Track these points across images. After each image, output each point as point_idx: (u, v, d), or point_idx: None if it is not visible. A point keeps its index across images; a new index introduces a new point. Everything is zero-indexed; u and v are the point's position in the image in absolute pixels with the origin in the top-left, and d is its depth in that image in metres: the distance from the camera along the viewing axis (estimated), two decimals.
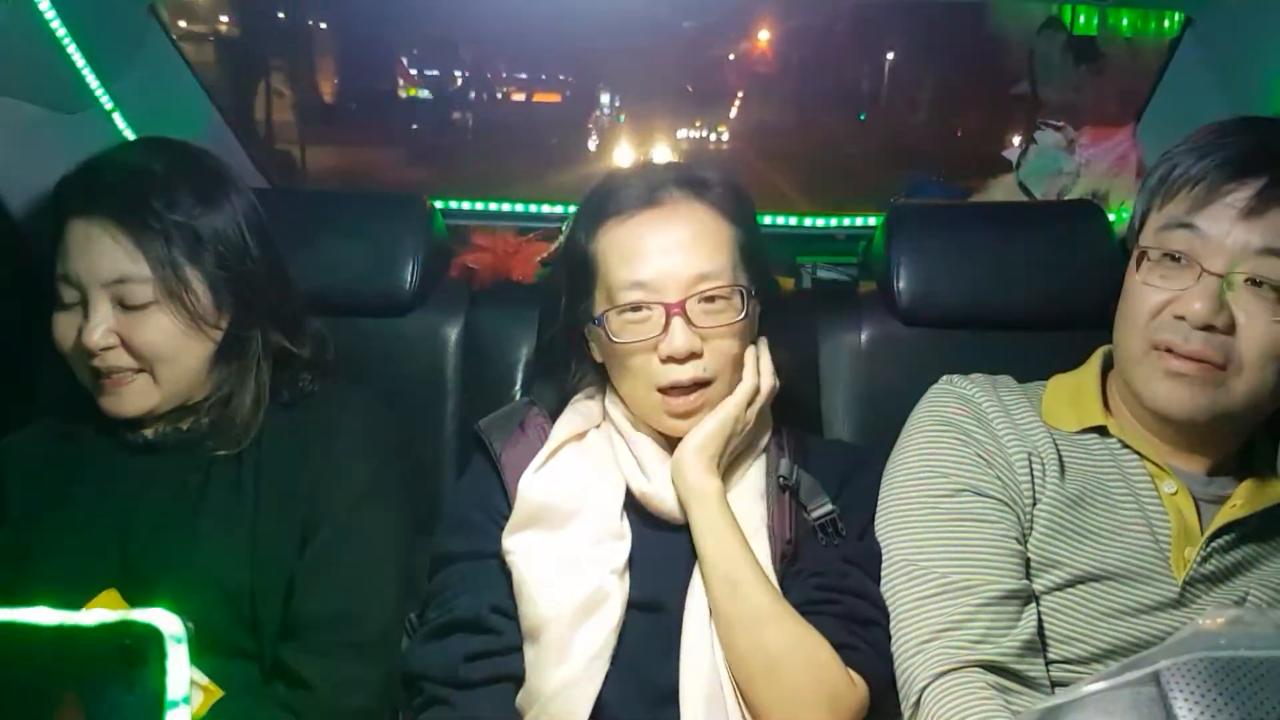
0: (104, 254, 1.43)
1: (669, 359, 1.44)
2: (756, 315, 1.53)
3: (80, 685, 0.84)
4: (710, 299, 1.45)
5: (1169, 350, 1.36)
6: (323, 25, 10.89)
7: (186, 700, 0.82)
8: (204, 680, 1.39)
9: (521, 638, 1.43)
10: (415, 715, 1.43)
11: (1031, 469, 1.45)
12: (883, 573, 1.47)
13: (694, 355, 1.45)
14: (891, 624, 1.43)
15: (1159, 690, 0.64)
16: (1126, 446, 1.46)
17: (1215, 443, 1.44)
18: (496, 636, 1.43)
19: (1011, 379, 1.59)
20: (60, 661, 0.83)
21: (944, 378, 1.59)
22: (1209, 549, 1.39)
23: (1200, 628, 0.68)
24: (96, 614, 0.83)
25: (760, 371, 1.52)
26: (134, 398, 1.48)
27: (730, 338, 1.47)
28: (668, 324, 1.44)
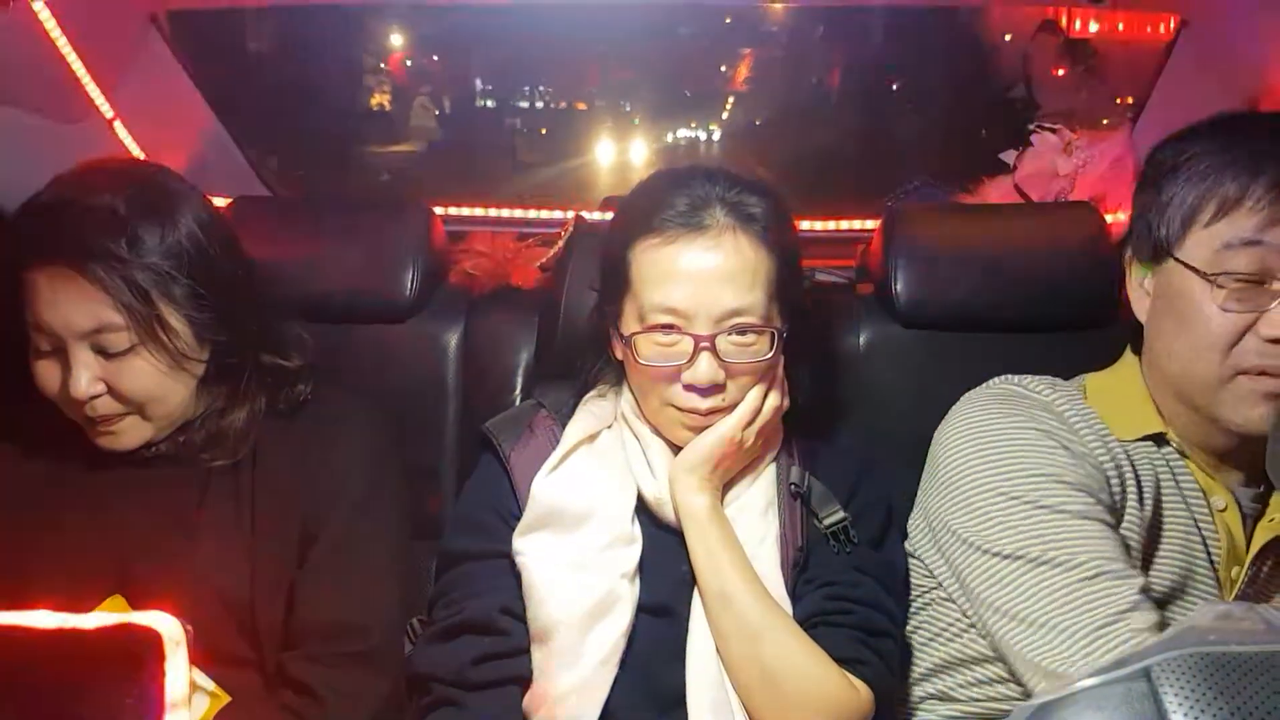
0: (76, 305, 1.38)
1: (691, 388, 1.44)
2: (782, 347, 1.50)
3: (80, 688, 0.84)
4: (742, 332, 1.44)
5: (1263, 374, 1.30)
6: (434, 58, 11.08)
7: (186, 702, 0.83)
8: (210, 686, 1.40)
9: (529, 640, 1.42)
10: (422, 716, 1.43)
11: (1117, 485, 1.39)
12: (1004, 575, 1.38)
13: (717, 388, 1.44)
14: (1036, 621, 1.33)
15: (1150, 686, 0.64)
16: (1183, 456, 1.42)
17: (1259, 452, 1.37)
18: (505, 639, 1.42)
19: (1051, 378, 1.52)
20: (60, 664, 0.84)
21: (1002, 377, 1.53)
22: (1255, 569, 1.37)
23: (1192, 624, 0.69)
24: (96, 617, 0.84)
25: (766, 393, 1.49)
26: (127, 435, 1.47)
27: (755, 375, 1.46)
28: (695, 355, 1.42)
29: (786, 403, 1.53)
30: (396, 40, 10.66)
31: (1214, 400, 1.34)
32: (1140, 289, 1.43)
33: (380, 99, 10.53)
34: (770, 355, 1.45)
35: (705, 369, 1.42)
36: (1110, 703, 0.64)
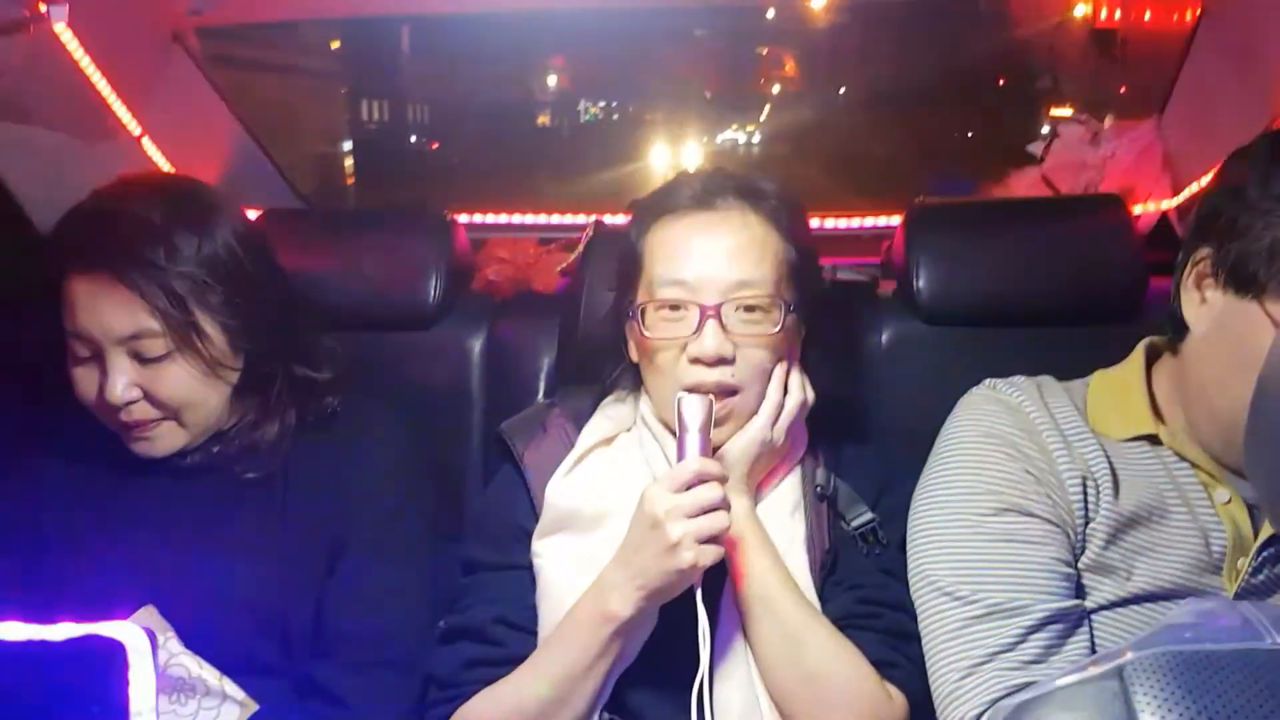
0: (113, 312, 1.42)
1: (697, 360, 1.43)
2: (797, 333, 1.51)
3: (46, 699, 0.86)
4: (749, 308, 1.44)
5: None
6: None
7: (152, 712, 0.84)
8: (240, 695, 1.42)
9: (527, 650, 1.42)
10: (424, 715, 1.45)
11: (1085, 490, 1.39)
12: (915, 595, 1.42)
13: (723, 361, 1.43)
14: (927, 650, 1.39)
15: (1121, 685, 0.63)
16: (1181, 458, 1.40)
17: None
18: (496, 647, 1.43)
19: (1052, 379, 1.52)
20: (27, 676, 0.85)
21: (985, 383, 1.53)
22: (1260, 559, 1.34)
23: (1170, 620, 0.68)
24: (64, 628, 0.85)
25: (790, 388, 1.49)
26: (162, 441, 1.50)
27: (763, 349, 1.45)
28: (701, 325, 1.42)
29: (811, 397, 1.52)
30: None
31: None
32: (1203, 302, 1.36)
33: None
34: (779, 330, 1.45)
35: (711, 340, 1.41)
36: (1082, 702, 0.64)
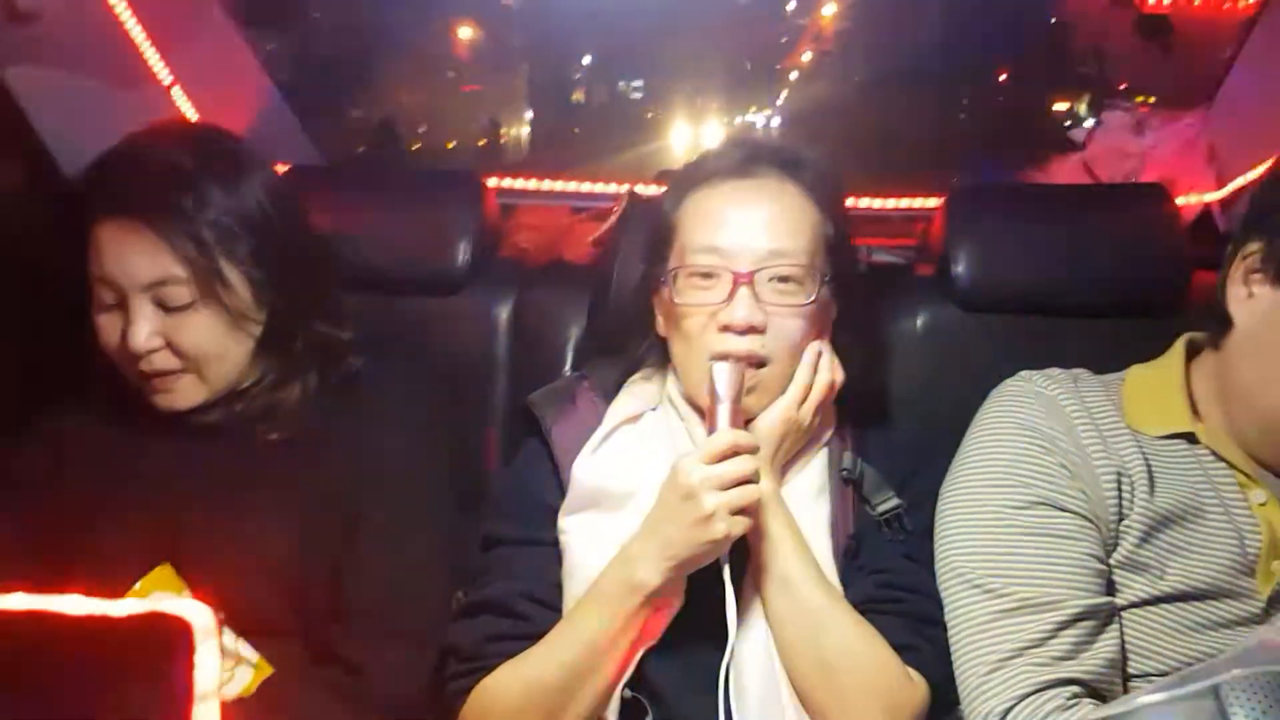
0: (139, 258, 1.41)
1: (727, 328, 1.41)
2: (830, 307, 1.50)
3: (108, 677, 0.83)
4: (783, 279, 1.42)
5: None
6: None
7: (215, 694, 0.82)
8: (255, 657, 1.41)
9: (550, 627, 1.40)
10: (443, 687, 1.44)
11: (1120, 487, 1.37)
12: (943, 587, 1.42)
13: (754, 329, 1.41)
14: (954, 643, 1.38)
15: (1218, 704, 0.61)
16: (1217, 457, 1.38)
17: None
18: (521, 622, 1.42)
19: (1088, 373, 1.51)
20: (89, 652, 0.83)
21: (1020, 374, 1.51)
22: None
23: (1264, 640, 0.65)
24: (127, 604, 0.83)
25: (819, 368, 1.47)
26: (183, 394, 1.48)
27: (796, 319, 1.43)
28: (733, 292, 1.41)
29: (841, 377, 1.50)
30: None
31: None
32: (1250, 297, 1.35)
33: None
34: (812, 301, 1.43)
35: (743, 307, 1.40)
36: None
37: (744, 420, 1.38)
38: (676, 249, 1.48)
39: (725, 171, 1.49)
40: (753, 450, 1.34)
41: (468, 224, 1.97)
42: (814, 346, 1.47)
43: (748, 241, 1.42)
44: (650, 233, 1.56)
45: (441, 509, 1.57)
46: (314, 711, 1.40)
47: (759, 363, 1.41)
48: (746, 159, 1.49)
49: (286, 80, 2.60)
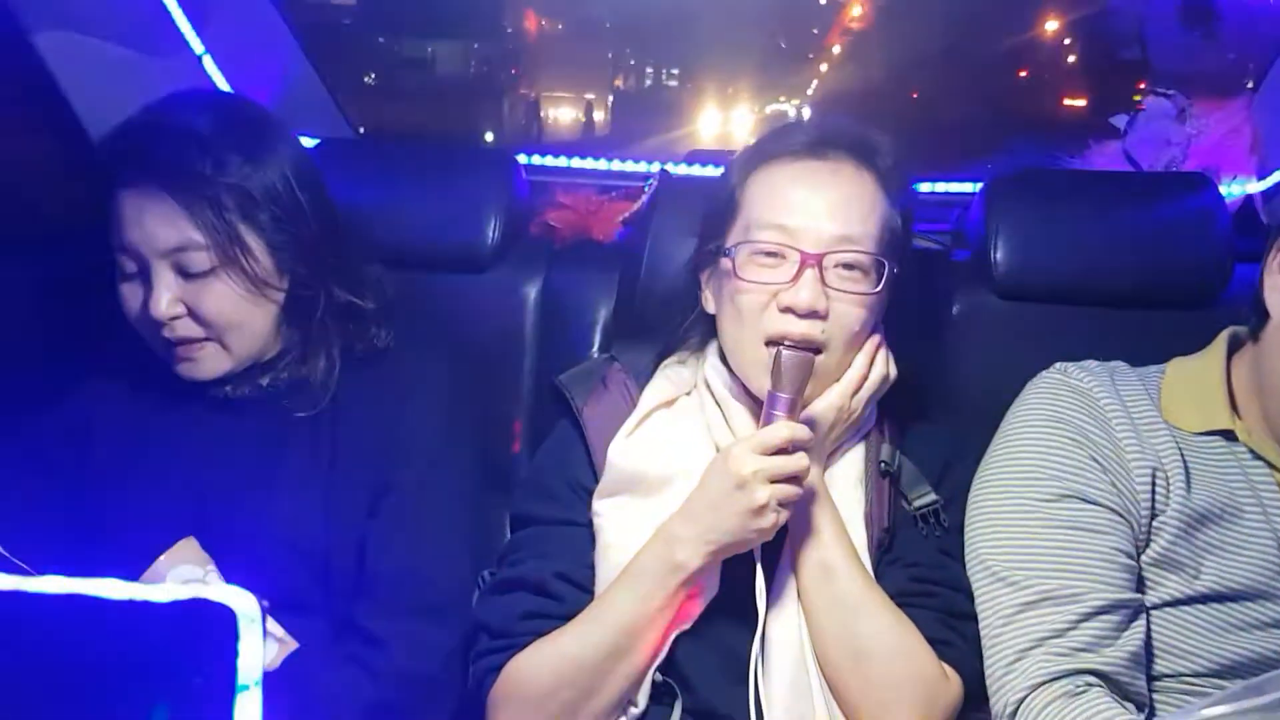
0: (158, 224, 1.40)
1: (788, 310, 1.38)
2: (886, 300, 1.46)
3: (148, 663, 0.81)
4: (849, 266, 1.39)
5: None
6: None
7: (259, 684, 0.80)
8: (280, 632, 1.42)
9: (582, 608, 1.40)
10: (473, 663, 1.44)
11: (1154, 483, 1.36)
12: (971, 580, 1.41)
13: (815, 314, 1.37)
14: (982, 637, 1.37)
15: None
16: (1256, 456, 1.37)
17: None
18: (554, 602, 1.41)
19: (1126, 366, 1.49)
20: (129, 637, 0.81)
21: (1056, 366, 1.49)
22: None
23: None
24: (169, 589, 0.80)
25: (874, 361, 1.45)
26: (207, 363, 1.48)
27: (858, 308, 1.40)
28: (799, 274, 1.37)
29: (894, 372, 1.48)
30: None
31: None
32: None
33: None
34: (877, 290, 1.41)
35: (808, 290, 1.37)
36: None
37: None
38: (740, 225, 1.45)
39: (798, 150, 1.45)
40: (809, 446, 1.32)
41: (498, 201, 1.95)
42: (875, 338, 1.45)
43: (817, 223, 1.39)
44: (711, 203, 1.52)
45: (467, 485, 1.57)
46: (336, 686, 1.40)
47: (815, 348, 1.38)
48: (821, 140, 1.46)
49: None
